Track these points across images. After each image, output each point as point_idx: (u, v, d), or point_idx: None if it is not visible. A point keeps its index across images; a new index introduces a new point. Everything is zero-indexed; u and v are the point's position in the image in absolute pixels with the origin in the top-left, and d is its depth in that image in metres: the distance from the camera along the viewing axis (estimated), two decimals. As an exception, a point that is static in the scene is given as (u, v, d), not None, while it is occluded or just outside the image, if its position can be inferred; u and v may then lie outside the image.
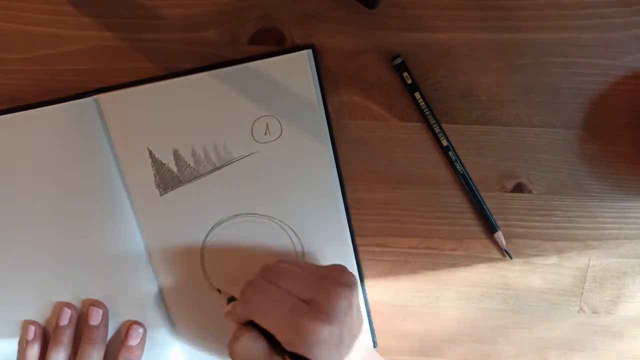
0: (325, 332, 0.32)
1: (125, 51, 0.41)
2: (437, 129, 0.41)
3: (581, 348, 0.47)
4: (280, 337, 0.33)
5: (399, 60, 0.40)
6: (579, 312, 0.46)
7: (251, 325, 0.36)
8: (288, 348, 0.33)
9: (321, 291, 0.34)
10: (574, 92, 0.41)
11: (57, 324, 0.43)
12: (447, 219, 0.44)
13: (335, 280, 0.36)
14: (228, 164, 0.41)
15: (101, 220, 0.42)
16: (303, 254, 0.43)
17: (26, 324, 0.43)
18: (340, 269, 0.37)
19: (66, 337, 0.42)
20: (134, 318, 0.44)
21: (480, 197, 0.43)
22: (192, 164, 0.41)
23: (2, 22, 0.40)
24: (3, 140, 0.40)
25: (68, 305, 0.43)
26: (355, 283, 0.37)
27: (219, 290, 0.43)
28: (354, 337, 0.35)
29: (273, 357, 0.35)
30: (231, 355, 0.35)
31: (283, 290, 0.35)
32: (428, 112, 0.41)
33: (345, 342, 0.34)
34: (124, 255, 0.42)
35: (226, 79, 0.40)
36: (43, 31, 0.40)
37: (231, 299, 0.41)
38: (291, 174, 0.42)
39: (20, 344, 0.44)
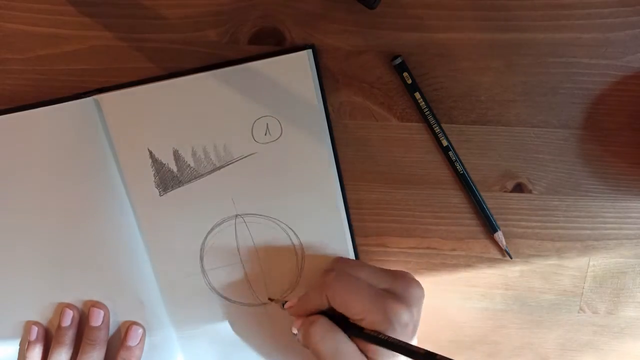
0: (406, 315, 0.35)
1: (125, 51, 0.41)
2: (437, 129, 0.41)
3: (581, 348, 0.47)
4: (366, 318, 0.35)
5: (399, 60, 0.40)
6: (579, 312, 0.46)
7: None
8: (373, 328, 0.35)
9: (398, 281, 0.38)
10: (574, 92, 0.41)
11: (59, 325, 0.43)
12: (447, 219, 0.44)
13: (407, 274, 0.39)
14: (228, 164, 0.41)
15: (101, 220, 0.42)
16: (303, 254, 0.43)
17: (29, 324, 0.43)
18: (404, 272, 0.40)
19: (68, 338, 0.42)
20: (133, 318, 0.44)
21: (480, 197, 0.43)
22: (192, 164, 0.41)
23: (2, 22, 0.40)
24: (3, 140, 0.40)
25: (70, 306, 0.43)
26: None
27: (270, 299, 0.44)
28: (417, 328, 0.38)
29: (348, 336, 0.36)
30: (308, 339, 0.36)
31: (361, 279, 0.37)
32: (428, 112, 0.41)
33: (416, 330, 0.37)
34: (124, 256, 0.42)
35: (226, 79, 0.40)
36: (43, 31, 0.40)
37: (284, 304, 0.41)
38: (291, 174, 0.42)
39: (21, 344, 0.44)
